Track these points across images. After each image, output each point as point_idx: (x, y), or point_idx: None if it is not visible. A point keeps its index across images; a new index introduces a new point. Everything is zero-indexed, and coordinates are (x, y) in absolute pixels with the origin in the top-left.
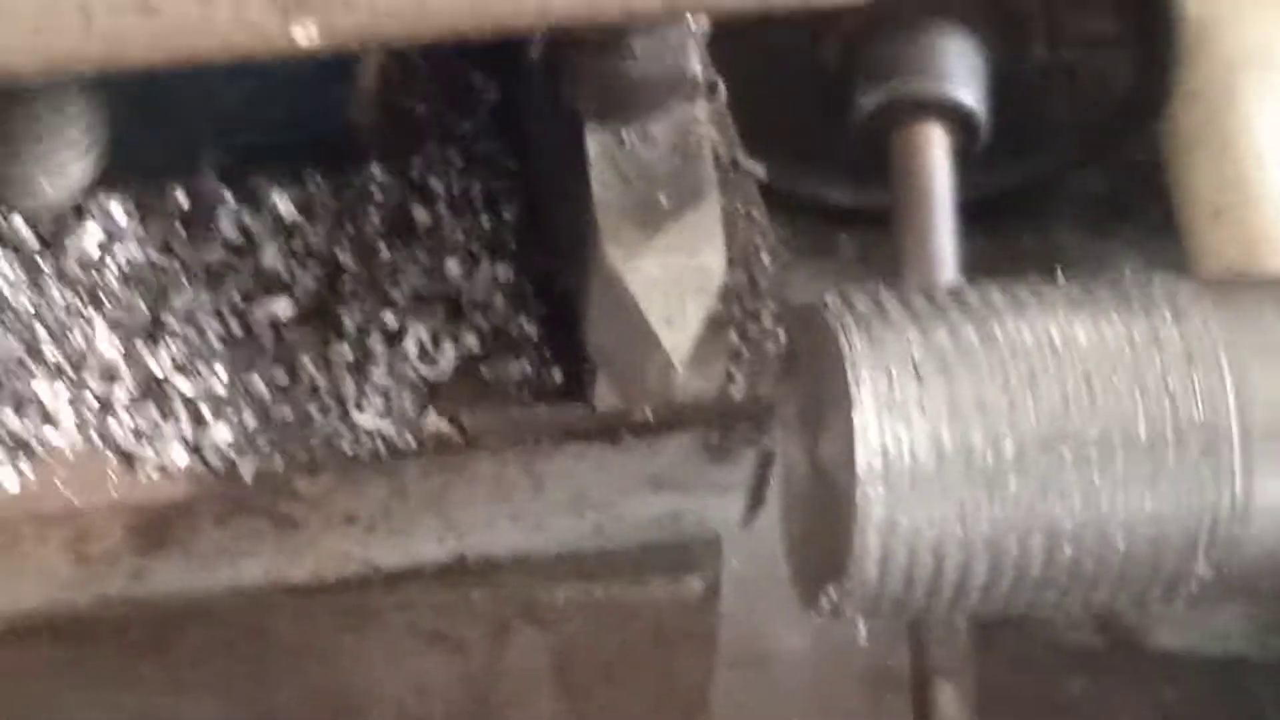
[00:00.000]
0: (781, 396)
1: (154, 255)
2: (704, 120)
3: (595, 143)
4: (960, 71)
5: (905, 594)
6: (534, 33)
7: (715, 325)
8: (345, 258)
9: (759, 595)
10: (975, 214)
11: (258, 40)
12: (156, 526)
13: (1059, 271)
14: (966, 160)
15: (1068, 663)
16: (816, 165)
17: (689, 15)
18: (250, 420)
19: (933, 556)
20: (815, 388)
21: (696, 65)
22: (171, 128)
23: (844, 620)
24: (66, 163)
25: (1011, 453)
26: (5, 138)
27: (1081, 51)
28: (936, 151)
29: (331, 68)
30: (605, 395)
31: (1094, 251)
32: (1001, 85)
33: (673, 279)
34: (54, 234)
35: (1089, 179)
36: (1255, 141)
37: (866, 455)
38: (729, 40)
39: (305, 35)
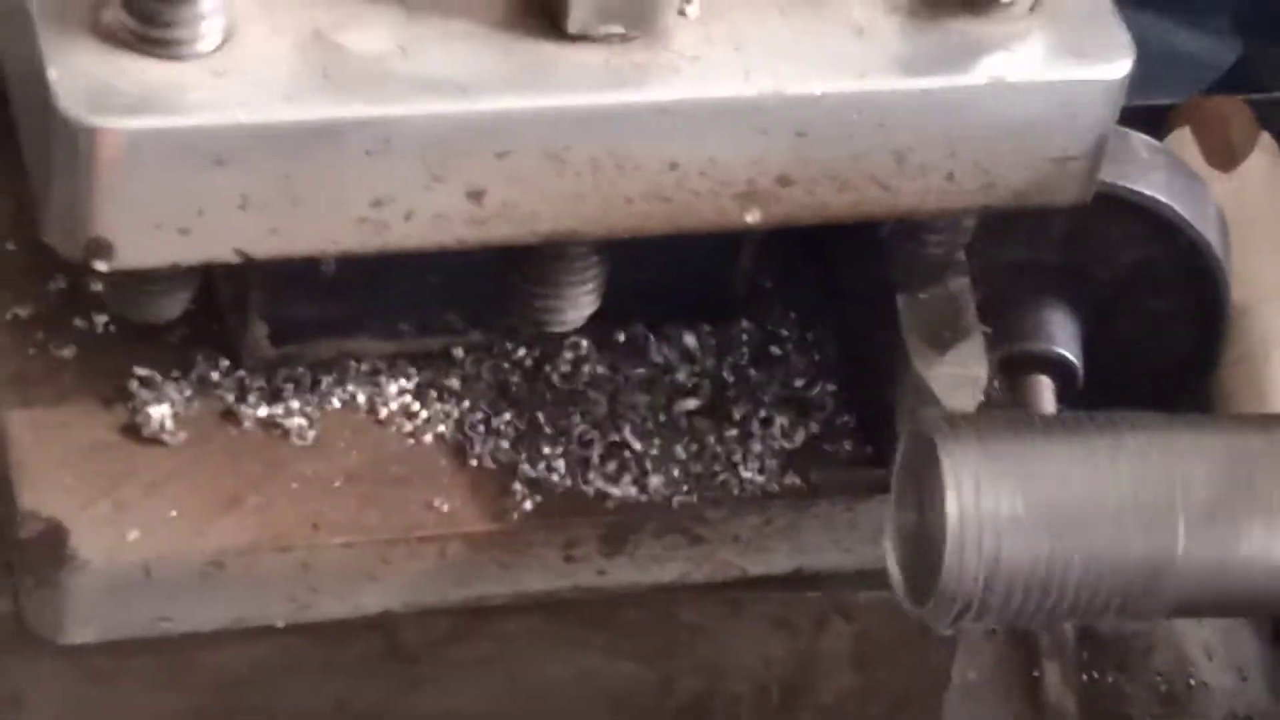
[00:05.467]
0: (897, 477)
1: (606, 371)
2: (968, 287)
3: (903, 299)
4: (1064, 336)
5: (976, 617)
6: (887, 220)
7: None
8: (728, 376)
9: None
10: None
11: (723, 219)
12: (616, 539)
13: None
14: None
15: None
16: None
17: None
18: (674, 471)
19: (995, 595)
20: (922, 482)
21: (964, 249)
22: (612, 287)
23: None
24: (585, 299)
25: (1053, 531)
26: (553, 282)
27: (1149, 324)
28: (1047, 396)
29: (717, 252)
30: None
31: None
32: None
33: (957, 383)
34: (541, 356)
35: None
36: None
37: (953, 539)
38: None
39: (752, 218)
